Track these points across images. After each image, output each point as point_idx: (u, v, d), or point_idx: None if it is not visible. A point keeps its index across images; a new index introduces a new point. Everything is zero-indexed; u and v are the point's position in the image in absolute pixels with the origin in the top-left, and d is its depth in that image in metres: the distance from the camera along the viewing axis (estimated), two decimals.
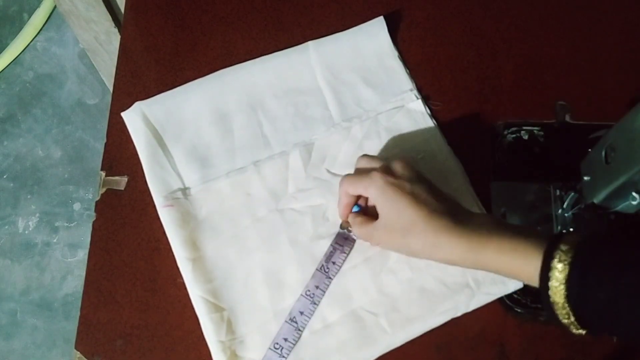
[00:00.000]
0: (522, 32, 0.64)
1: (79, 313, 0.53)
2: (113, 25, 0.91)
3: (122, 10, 0.68)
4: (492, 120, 0.60)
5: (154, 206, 0.55)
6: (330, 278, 0.53)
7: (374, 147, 0.58)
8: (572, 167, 0.51)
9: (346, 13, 0.64)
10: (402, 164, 0.50)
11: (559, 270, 0.40)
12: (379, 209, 0.48)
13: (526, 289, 0.52)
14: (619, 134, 0.44)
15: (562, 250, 0.41)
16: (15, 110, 1.44)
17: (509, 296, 0.52)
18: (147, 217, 0.56)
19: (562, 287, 0.40)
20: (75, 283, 1.29)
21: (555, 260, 0.41)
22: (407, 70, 0.61)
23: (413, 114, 0.59)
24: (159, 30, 0.65)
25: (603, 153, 0.45)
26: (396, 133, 0.59)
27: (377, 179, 0.48)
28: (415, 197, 0.47)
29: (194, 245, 0.54)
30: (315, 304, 0.52)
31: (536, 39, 0.64)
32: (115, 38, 0.93)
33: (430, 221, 0.46)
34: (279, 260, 0.54)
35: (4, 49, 1.48)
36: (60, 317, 1.27)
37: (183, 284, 0.53)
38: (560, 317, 0.41)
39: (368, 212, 0.52)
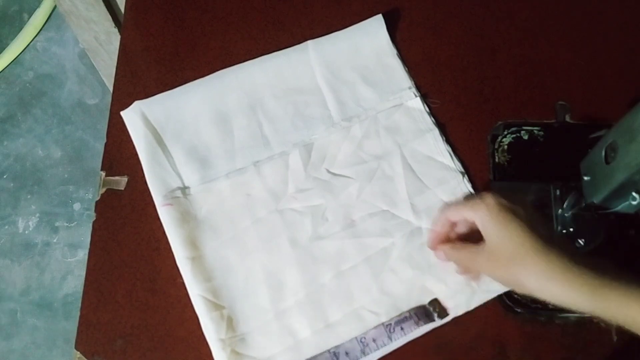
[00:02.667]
0: (522, 32, 0.64)
1: (79, 313, 0.53)
2: (113, 25, 0.91)
3: (122, 10, 0.68)
4: (492, 120, 0.60)
5: (154, 206, 0.55)
6: (390, 340, 0.50)
7: (373, 146, 0.58)
8: (572, 167, 0.51)
9: (346, 13, 0.64)
10: (516, 195, 0.46)
11: None
12: (487, 233, 0.45)
13: None
14: (619, 134, 0.44)
15: None
16: (15, 110, 1.44)
17: (509, 296, 0.52)
18: (147, 217, 0.56)
19: None
20: (75, 283, 1.29)
21: None
22: (406, 69, 0.61)
23: (412, 112, 0.59)
24: (159, 30, 0.65)
25: (603, 153, 0.45)
26: (395, 132, 0.59)
27: (490, 199, 0.45)
28: (529, 224, 0.43)
29: (193, 244, 0.54)
30: (364, 354, 0.50)
31: (536, 39, 0.64)
32: (115, 38, 0.93)
33: (544, 253, 0.42)
34: (279, 261, 0.54)
35: (4, 49, 1.48)
36: (60, 317, 1.27)
37: (183, 283, 0.53)
38: None
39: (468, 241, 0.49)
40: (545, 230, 0.44)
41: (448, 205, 0.48)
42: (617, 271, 0.42)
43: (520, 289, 0.44)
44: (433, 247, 0.51)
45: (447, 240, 0.50)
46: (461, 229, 0.50)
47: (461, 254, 0.48)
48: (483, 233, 0.45)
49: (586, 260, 0.42)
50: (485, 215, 0.45)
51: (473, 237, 0.48)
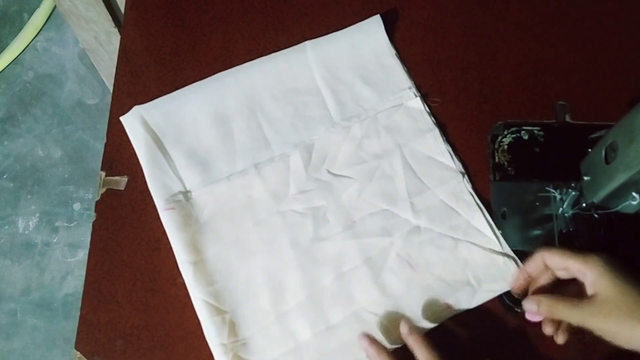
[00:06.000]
0: (522, 32, 0.64)
1: (79, 313, 0.53)
2: (113, 25, 0.91)
3: (122, 10, 0.68)
4: (492, 120, 0.60)
5: (154, 206, 0.55)
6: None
7: (374, 146, 0.58)
8: (572, 167, 0.51)
9: (346, 13, 0.64)
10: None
11: None
12: (601, 287, 0.44)
13: (525, 289, 0.51)
14: (619, 134, 0.44)
15: None
16: (15, 110, 1.44)
17: (509, 296, 0.52)
18: (147, 217, 0.56)
19: None
20: (75, 283, 1.29)
21: None
22: (405, 69, 0.61)
23: (412, 112, 0.59)
24: (159, 30, 0.65)
25: (603, 153, 0.45)
26: (395, 131, 0.58)
27: (602, 255, 0.45)
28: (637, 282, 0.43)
29: (195, 248, 0.54)
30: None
31: (536, 39, 0.64)
32: (115, 38, 0.93)
33: None
34: (280, 263, 0.54)
35: (4, 49, 1.48)
36: (60, 317, 1.27)
37: (183, 283, 0.53)
38: None
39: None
40: None
41: (547, 249, 0.47)
42: None
43: (636, 345, 0.43)
44: (517, 289, 0.50)
45: (531, 284, 0.49)
46: (546, 278, 0.49)
47: (562, 305, 0.46)
48: (595, 287, 0.44)
49: None
50: (601, 269, 0.44)
51: (554, 288, 0.47)
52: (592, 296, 0.44)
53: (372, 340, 0.49)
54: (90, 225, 0.56)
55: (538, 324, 0.47)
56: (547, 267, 0.48)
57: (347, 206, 0.56)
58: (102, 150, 0.59)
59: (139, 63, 0.63)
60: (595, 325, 0.44)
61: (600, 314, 0.44)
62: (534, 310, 0.47)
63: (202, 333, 0.51)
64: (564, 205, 0.54)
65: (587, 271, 0.45)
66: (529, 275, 0.49)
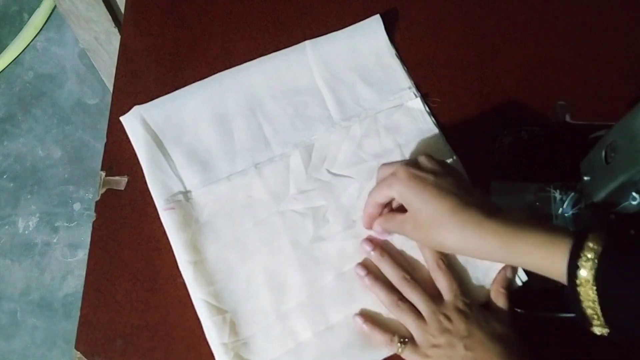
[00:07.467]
0: (522, 32, 0.64)
1: (79, 313, 0.53)
2: (113, 25, 0.91)
3: (122, 10, 0.68)
4: (492, 120, 0.60)
5: (154, 206, 0.55)
6: None
7: (374, 146, 0.58)
8: (572, 167, 0.51)
9: (346, 13, 0.64)
10: (427, 157, 0.49)
11: (588, 268, 0.39)
12: (406, 203, 0.47)
13: (526, 289, 0.52)
14: (619, 134, 0.44)
15: (590, 247, 0.39)
16: (15, 110, 1.44)
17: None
18: (147, 217, 0.56)
19: (591, 283, 0.39)
20: (75, 283, 1.29)
21: (583, 257, 0.39)
22: (405, 69, 0.61)
23: (412, 112, 0.59)
24: (159, 30, 0.65)
25: (603, 153, 0.45)
26: (395, 131, 0.59)
27: (400, 172, 0.47)
28: (439, 189, 0.46)
29: (195, 248, 0.54)
30: None
31: (536, 39, 0.64)
32: (115, 38, 0.93)
33: (457, 214, 0.45)
34: (280, 262, 0.54)
35: (4, 49, 1.48)
36: (60, 317, 1.27)
37: (183, 283, 0.53)
38: (588, 316, 0.40)
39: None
40: (458, 190, 0.46)
41: (372, 191, 0.51)
42: (528, 221, 0.44)
43: (443, 249, 0.48)
44: (369, 227, 0.53)
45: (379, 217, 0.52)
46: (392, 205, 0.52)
47: (391, 224, 0.50)
48: (403, 204, 0.48)
49: (501, 213, 0.45)
50: (400, 188, 0.47)
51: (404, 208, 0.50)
52: (406, 211, 0.48)
53: (368, 270, 0.52)
54: (90, 225, 0.56)
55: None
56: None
57: (347, 206, 0.56)
58: (102, 150, 0.59)
59: (139, 63, 0.63)
60: (412, 236, 0.49)
61: (412, 225, 0.48)
62: (378, 231, 0.53)
63: (203, 333, 0.51)
64: (564, 205, 0.54)
65: (393, 193, 0.48)
66: (372, 215, 0.52)
